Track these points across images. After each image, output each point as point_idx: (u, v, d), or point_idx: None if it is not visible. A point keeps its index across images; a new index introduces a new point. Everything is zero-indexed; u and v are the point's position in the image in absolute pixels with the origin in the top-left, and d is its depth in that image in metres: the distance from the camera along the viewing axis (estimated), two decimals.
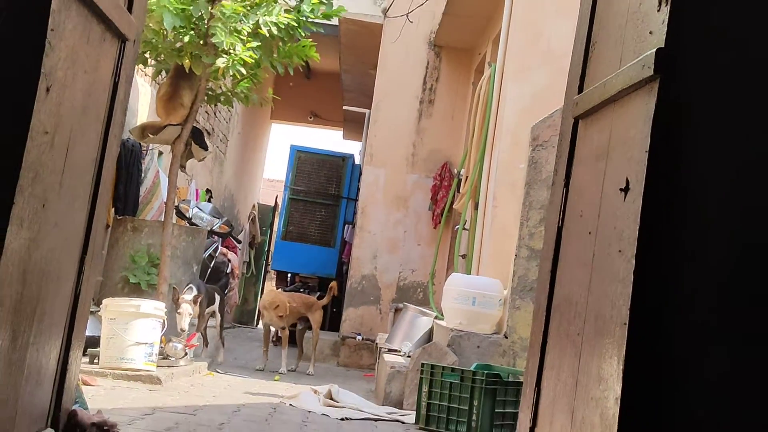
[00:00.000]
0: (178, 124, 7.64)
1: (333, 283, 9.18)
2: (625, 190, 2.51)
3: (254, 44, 7.21)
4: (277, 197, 15.94)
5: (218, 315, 8.38)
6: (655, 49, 2.41)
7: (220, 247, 10.84)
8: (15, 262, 2.51)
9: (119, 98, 3.37)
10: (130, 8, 3.33)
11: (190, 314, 7.18)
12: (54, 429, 3.09)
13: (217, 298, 8.38)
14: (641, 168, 2.41)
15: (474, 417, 5.40)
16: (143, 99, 9.13)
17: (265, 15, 7.30)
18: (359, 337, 10.38)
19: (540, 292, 3.37)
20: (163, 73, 8.09)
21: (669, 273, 2.38)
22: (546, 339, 3.20)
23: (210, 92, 8.01)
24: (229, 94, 8.06)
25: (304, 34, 7.68)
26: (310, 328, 8.77)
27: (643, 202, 2.39)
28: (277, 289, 12.31)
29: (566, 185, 3.22)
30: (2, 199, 2.42)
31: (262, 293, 15.53)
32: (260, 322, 8.77)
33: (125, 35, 3.25)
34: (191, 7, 7.14)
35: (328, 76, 16.19)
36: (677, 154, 2.39)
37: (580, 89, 3.19)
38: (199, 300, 7.31)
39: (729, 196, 2.38)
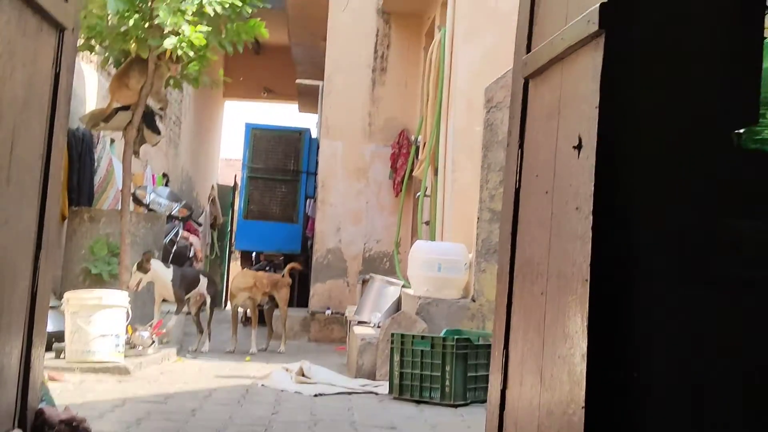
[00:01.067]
0: (126, 108, 7.52)
1: (292, 264, 9.28)
2: (578, 147, 2.51)
3: (203, 27, 7.09)
4: (236, 176, 15.82)
5: (207, 297, 8.28)
6: (599, 4, 2.39)
7: (181, 231, 10.75)
8: None
9: (62, 89, 3.30)
10: None
11: (135, 272, 7.24)
12: (21, 429, 3.05)
13: (203, 280, 8.24)
14: (592, 124, 2.40)
15: (447, 382, 5.43)
16: (91, 87, 8.98)
17: None
18: (328, 312, 10.37)
19: (502, 254, 3.37)
20: (111, 59, 7.96)
21: (626, 227, 2.39)
22: (511, 300, 3.21)
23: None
24: (178, 76, 7.94)
25: (250, 11, 7.57)
26: (277, 306, 8.75)
27: (597, 157, 2.39)
28: (243, 269, 12.26)
29: (521, 146, 3.21)
30: None
31: (228, 274, 15.46)
32: (228, 304, 8.72)
33: (62, 24, 3.18)
34: None
35: (278, 50, 16.02)
36: (627, 107, 2.39)
37: (528, 48, 3.17)
38: (149, 258, 7.31)
39: (678, 145, 2.40)
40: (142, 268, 7.31)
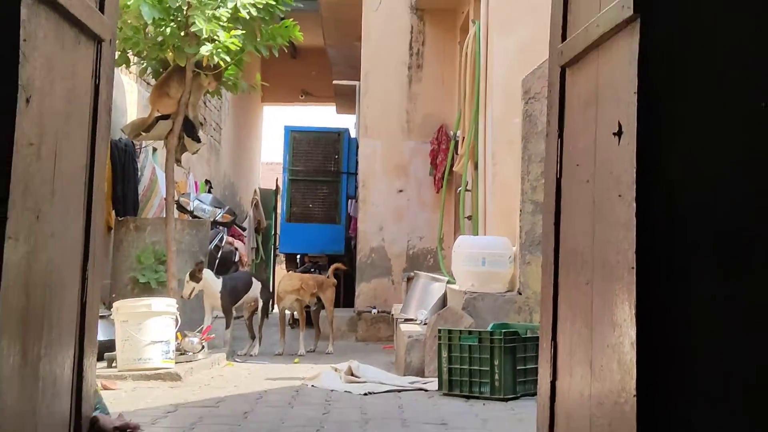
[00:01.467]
0: (167, 117, 7.60)
1: (336, 264, 9.34)
2: (618, 134, 2.48)
3: (238, 32, 7.15)
4: (277, 180, 15.89)
5: (260, 302, 8.31)
6: None
7: (225, 236, 10.84)
8: (16, 277, 2.49)
9: (102, 100, 3.34)
10: (102, 8, 3.29)
11: (188, 282, 7.36)
12: None
13: (256, 284, 8.29)
14: (632, 110, 2.38)
15: (496, 377, 5.41)
16: (131, 97, 9.09)
17: None
18: (374, 311, 10.39)
19: (546, 245, 3.35)
20: (149, 69, 8.06)
21: (670, 212, 2.36)
22: (557, 291, 3.19)
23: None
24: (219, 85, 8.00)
25: (284, 10, 7.61)
26: (324, 307, 8.79)
27: (638, 143, 2.36)
28: (288, 272, 12.32)
29: (560, 136, 3.19)
30: None
31: (273, 277, 15.55)
32: (275, 307, 8.77)
33: (100, 36, 3.21)
34: None
35: (314, 53, 16.09)
36: (667, 90, 2.36)
37: (564, 37, 3.14)
38: (201, 268, 7.46)
39: (722, 127, 2.36)
40: (195, 278, 7.44)
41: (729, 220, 2.35)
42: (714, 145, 2.36)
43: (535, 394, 4.25)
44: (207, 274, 7.59)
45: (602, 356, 2.61)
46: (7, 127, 2.43)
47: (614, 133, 2.51)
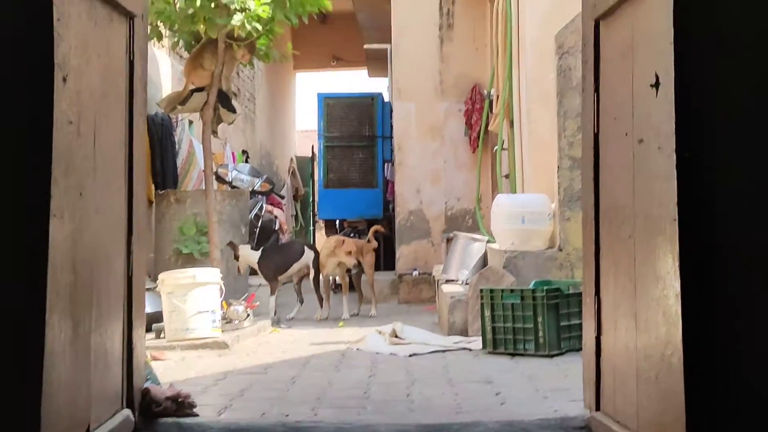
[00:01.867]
0: (201, 89, 7.63)
1: (375, 226, 9.36)
2: (656, 85, 2.45)
3: (267, 0, 7.14)
4: (313, 147, 15.93)
5: (312, 270, 8.36)
6: None
7: (264, 205, 10.91)
8: (63, 254, 2.54)
9: (137, 76, 3.36)
10: None
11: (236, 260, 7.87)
12: (130, 408, 3.16)
13: (308, 252, 8.37)
14: (669, 60, 2.35)
15: (540, 333, 5.41)
16: (164, 71, 9.13)
17: None
18: (415, 272, 10.41)
19: (585, 200, 3.34)
20: (181, 42, 8.09)
21: (711, 162, 2.33)
22: (599, 247, 3.18)
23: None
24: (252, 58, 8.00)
25: None
26: (364, 271, 8.82)
27: (676, 94, 2.33)
28: (328, 237, 12.38)
29: (596, 90, 3.16)
30: (40, 194, 2.44)
31: (314, 243, 15.66)
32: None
33: (132, 12, 3.23)
34: None
35: (344, 17, 15.99)
36: (704, 39, 2.33)
37: None
38: (234, 246, 7.85)
39: (761, 73, 2.32)
40: (235, 257, 7.88)
41: None
42: (754, 91, 2.32)
43: (579, 349, 4.26)
44: (243, 250, 7.97)
45: (647, 309, 2.61)
46: (46, 106, 2.46)
47: (651, 85, 2.48)
